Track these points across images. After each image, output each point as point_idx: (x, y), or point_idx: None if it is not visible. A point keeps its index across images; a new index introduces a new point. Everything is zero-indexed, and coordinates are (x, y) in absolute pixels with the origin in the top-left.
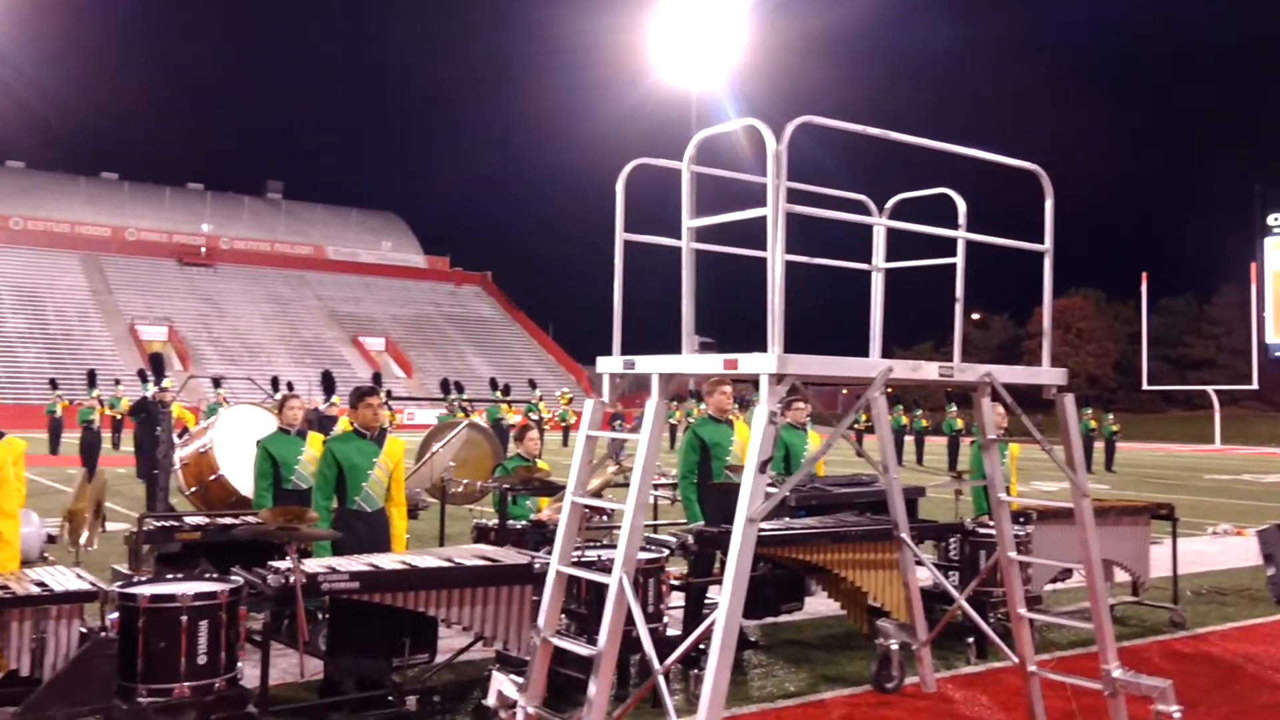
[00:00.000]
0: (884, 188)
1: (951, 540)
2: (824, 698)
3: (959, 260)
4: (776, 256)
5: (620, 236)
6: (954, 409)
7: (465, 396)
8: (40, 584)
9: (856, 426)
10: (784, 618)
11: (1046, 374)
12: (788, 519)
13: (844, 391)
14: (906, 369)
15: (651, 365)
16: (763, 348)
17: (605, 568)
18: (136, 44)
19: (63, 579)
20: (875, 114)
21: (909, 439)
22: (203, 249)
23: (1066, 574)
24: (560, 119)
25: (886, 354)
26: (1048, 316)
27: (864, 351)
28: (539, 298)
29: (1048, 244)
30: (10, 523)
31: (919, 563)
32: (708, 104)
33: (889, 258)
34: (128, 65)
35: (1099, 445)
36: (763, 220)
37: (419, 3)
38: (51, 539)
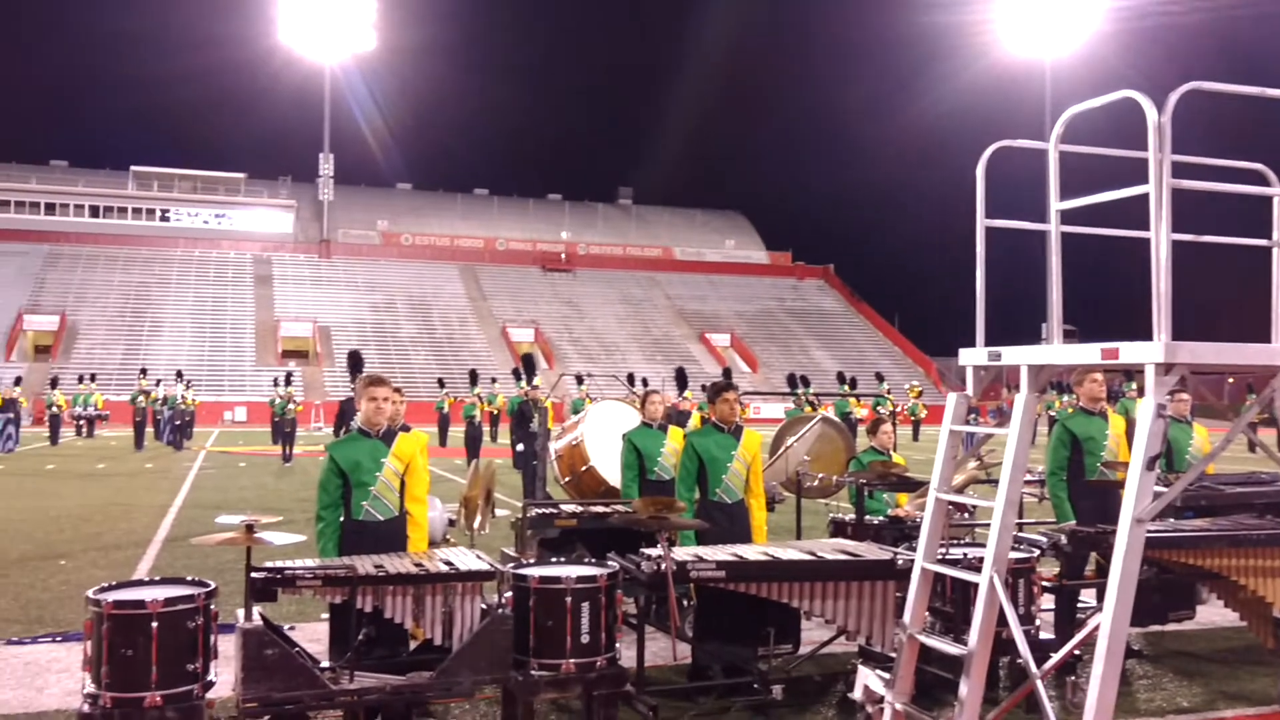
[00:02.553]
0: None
1: None
2: (1224, 715)
3: None
4: (1162, 237)
5: (981, 223)
6: None
7: (812, 391)
8: (448, 563)
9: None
10: (1171, 626)
11: None
12: (1172, 520)
13: (1230, 380)
14: None
15: (1020, 356)
16: (1124, 335)
17: (972, 566)
18: (507, 75)
19: (466, 559)
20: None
21: None
22: (563, 255)
23: None
24: (899, 105)
25: None
26: None
27: (1260, 337)
28: (883, 289)
29: None
30: (420, 507)
31: None
32: (1062, 76)
33: None
34: (498, 91)
35: None
36: (1129, 199)
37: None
38: (451, 522)
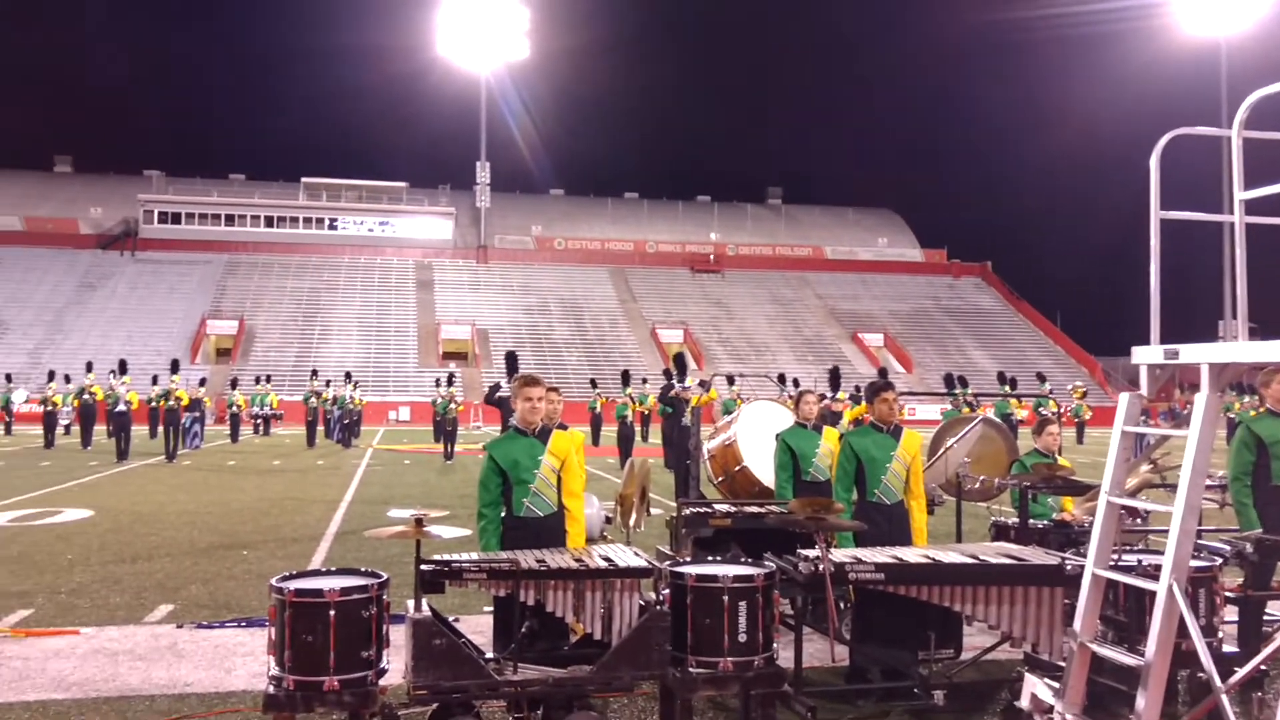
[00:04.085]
0: None
1: None
2: None
3: None
4: None
5: (1156, 215)
6: None
7: (970, 391)
8: (607, 559)
9: None
10: None
11: None
12: None
13: None
14: None
15: (1201, 354)
16: None
17: (1147, 573)
18: (655, 79)
19: (624, 555)
20: None
21: None
22: (712, 256)
23: None
24: (1059, 93)
25: None
26: None
27: None
28: (1044, 286)
29: None
30: (577, 503)
31: None
32: (1235, 57)
33: None
34: (646, 96)
35: None
36: None
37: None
38: (608, 520)
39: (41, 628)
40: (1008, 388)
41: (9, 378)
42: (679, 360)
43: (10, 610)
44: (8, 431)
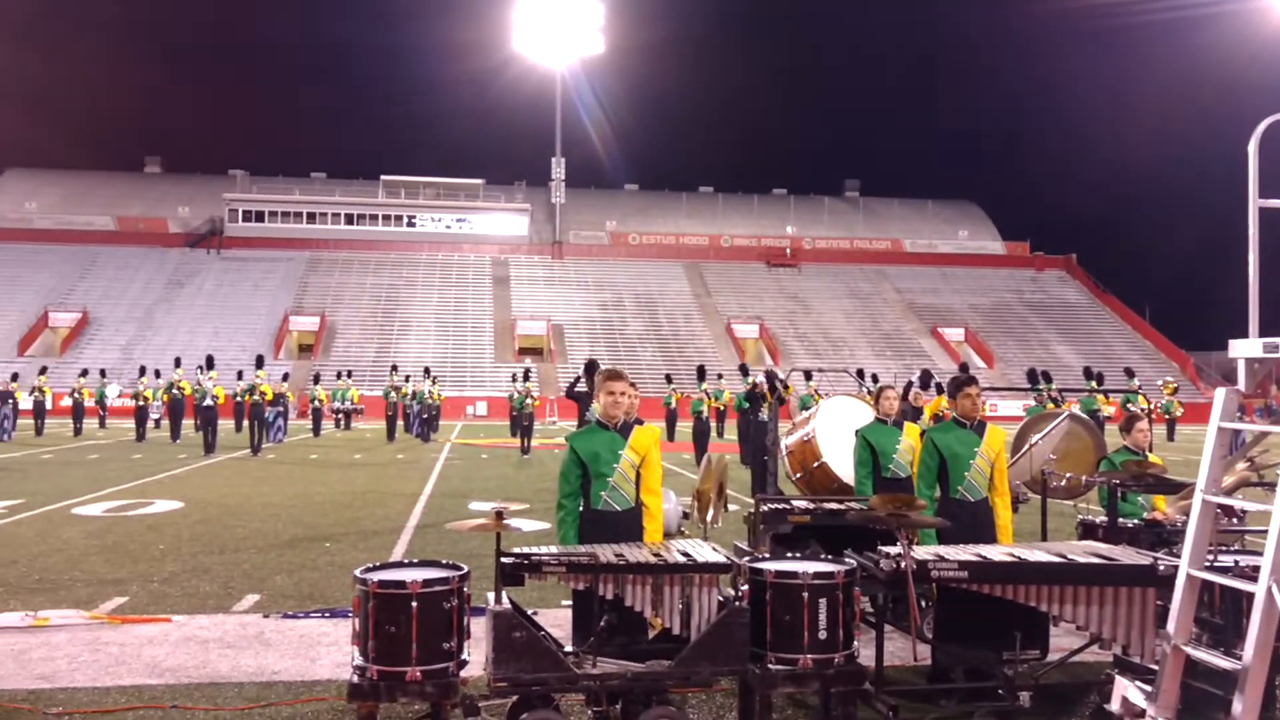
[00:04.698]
0: None
1: None
2: None
3: None
4: None
5: (1254, 203)
6: None
7: (1054, 386)
8: (685, 554)
9: None
10: None
11: None
12: None
13: None
14: None
15: None
16: None
17: (1245, 574)
18: (729, 72)
19: (702, 551)
20: None
21: None
22: (788, 250)
23: None
24: (1146, 77)
25: None
26: None
27: None
28: (1132, 279)
29: None
30: (655, 499)
31: None
32: None
33: None
34: (721, 89)
35: None
36: None
37: None
38: (685, 515)
39: (136, 615)
40: (1094, 383)
41: (103, 373)
42: (700, 370)
43: (107, 597)
44: (102, 425)
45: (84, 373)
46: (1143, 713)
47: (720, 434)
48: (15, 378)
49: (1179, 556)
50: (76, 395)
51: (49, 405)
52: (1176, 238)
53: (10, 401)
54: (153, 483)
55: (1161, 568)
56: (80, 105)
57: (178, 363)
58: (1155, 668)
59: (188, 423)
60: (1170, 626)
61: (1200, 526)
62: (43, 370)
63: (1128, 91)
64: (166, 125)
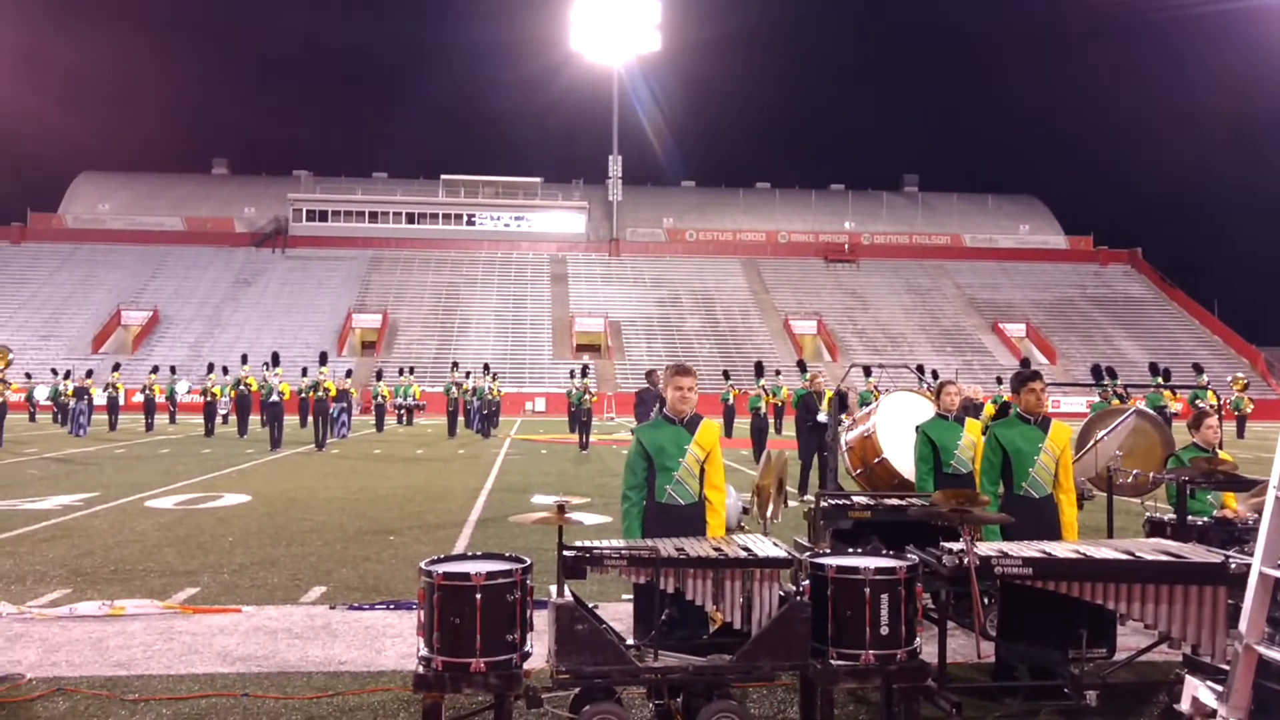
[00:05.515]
0: None
1: None
2: None
3: None
4: None
5: None
6: None
7: (1119, 383)
8: (746, 549)
9: None
10: None
11: None
12: None
13: None
14: None
15: None
16: None
17: None
18: (785, 68)
19: (763, 546)
20: None
21: None
22: (846, 246)
23: None
24: (1209, 70)
25: None
26: None
27: None
28: (1199, 274)
29: None
30: (719, 494)
31: None
32: None
33: None
34: (777, 84)
35: None
36: None
37: None
38: (745, 510)
39: (208, 605)
40: (1160, 379)
41: (173, 370)
42: (758, 366)
43: (180, 588)
44: (172, 420)
45: (155, 370)
46: (1214, 713)
47: (779, 430)
48: (90, 374)
49: (1251, 555)
50: (148, 391)
51: (122, 401)
52: (1246, 231)
53: (86, 398)
54: (221, 477)
55: (1233, 566)
56: (149, 110)
57: (244, 359)
58: (1226, 667)
59: (254, 418)
60: (1242, 625)
61: (1274, 523)
62: (116, 367)
63: (1195, 83)
64: (233, 128)
